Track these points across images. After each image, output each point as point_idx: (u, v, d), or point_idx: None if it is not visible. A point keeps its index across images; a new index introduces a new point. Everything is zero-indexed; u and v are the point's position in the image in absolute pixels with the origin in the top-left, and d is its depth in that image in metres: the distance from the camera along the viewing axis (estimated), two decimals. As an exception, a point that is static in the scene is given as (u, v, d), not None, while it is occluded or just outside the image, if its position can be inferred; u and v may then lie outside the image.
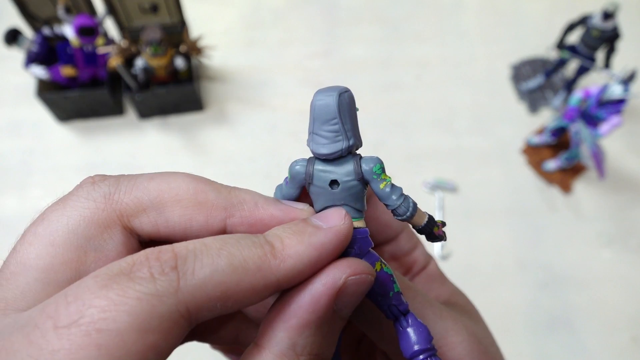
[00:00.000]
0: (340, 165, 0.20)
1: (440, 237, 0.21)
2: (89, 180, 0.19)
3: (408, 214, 0.20)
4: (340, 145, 0.20)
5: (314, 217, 0.20)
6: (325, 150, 0.20)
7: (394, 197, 0.20)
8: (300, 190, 0.22)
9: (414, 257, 0.28)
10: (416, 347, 0.20)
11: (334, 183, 0.21)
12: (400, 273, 0.28)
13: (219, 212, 0.19)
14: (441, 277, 0.28)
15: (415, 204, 0.20)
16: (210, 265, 0.16)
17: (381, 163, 0.20)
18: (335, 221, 0.19)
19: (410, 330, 0.20)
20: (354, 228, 0.20)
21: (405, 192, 0.21)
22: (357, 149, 0.21)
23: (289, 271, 0.18)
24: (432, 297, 0.26)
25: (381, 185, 0.20)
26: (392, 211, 0.21)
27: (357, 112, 0.21)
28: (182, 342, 0.23)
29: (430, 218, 0.21)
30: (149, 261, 0.16)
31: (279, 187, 0.22)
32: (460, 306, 0.26)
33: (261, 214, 0.20)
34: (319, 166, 0.21)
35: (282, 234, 0.19)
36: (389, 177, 0.21)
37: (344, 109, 0.20)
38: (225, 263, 0.17)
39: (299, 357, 0.17)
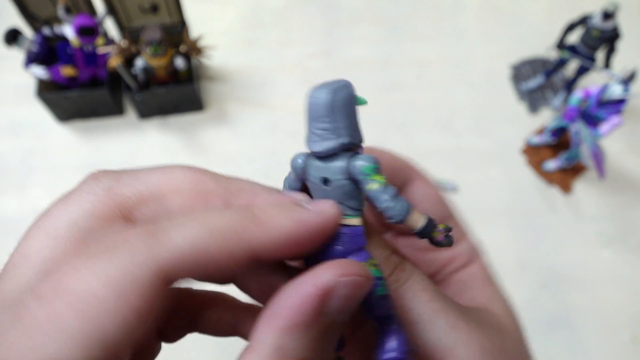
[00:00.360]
0: (332, 163, 0.20)
1: (441, 243, 0.20)
2: (92, 175, 0.20)
3: (400, 217, 0.19)
4: (330, 143, 0.20)
5: (304, 201, 0.20)
6: (316, 147, 0.20)
7: (383, 197, 0.19)
8: (302, 183, 0.22)
9: (455, 252, 0.26)
10: (385, 356, 0.19)
11: (325, 180, 0.20)
12: (433, 268, 0.26)
13: (218, 200, 0.20)
14: (484, 280, 0.26)
15: (409, 206, 0.20)
16: (186, 229, 0.17)
17: (374, 163, 0.20)
18: (323, 208, 0.19)
19: (386, 336, 0.20)
20: (344, 224, 0.20)
21: None
22: (356, 147, 0.20)
23: (268, 240, 0.18)
24: (463, 301, 0.24)
25: (369, 186, 0.20)
26: (382, 213, 0.20)
27: (361, 108, 0.21)
28: (184, 332, 0.24)
29: (429, 222, 0.20)
30: (127, 229, 0.17)
31: (286, 179, 0.23)
32: (492, 316, 0.24)
33: (259, 202, 0.20)
34: (314, 162, 0.21)
35: (267, 207, 0.19)
36: (381, 178, 0.20)
37: (336, 106, 0.19)
38: (202, 226, 0.17)
39: None
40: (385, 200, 0.19)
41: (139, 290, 0.16)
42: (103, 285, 0.15)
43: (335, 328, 0.18)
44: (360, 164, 0.19)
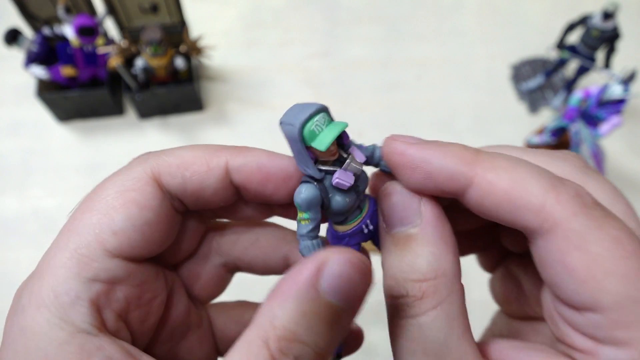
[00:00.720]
0: None
1: None
2: (134, 161, 0.24)
3: (302, 255, 0.21)
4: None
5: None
6: None
7: (297, 232, 0.22)
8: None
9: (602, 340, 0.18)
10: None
11: None
12: (567, 326, 0.20)
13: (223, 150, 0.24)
14: None
15: (313, 252, 0.21)
16: (173, 150, 0.23)
17: (302, 202, 0.21)
18: (289, 162, 0.24)
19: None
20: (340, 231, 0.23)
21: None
22: (314, 178, 0.22)
23: (241, 163, 0.23)
24: None
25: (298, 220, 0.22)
26: None
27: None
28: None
29: None
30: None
31: None
32: None
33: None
34: None
35: (256, 148, 0.24)
36: (300, 215, 0.21)
37: (286, 137, 0.21)
38: (187, 148, 0.23)
39: (275, 329, 0.17)
40: (298, 236, 0.22)
41: (135, 187, 0.22)
42: (113, 190, 0.21)
43: (332, 313, 0.18)
44: (295, 198, 0.22)
